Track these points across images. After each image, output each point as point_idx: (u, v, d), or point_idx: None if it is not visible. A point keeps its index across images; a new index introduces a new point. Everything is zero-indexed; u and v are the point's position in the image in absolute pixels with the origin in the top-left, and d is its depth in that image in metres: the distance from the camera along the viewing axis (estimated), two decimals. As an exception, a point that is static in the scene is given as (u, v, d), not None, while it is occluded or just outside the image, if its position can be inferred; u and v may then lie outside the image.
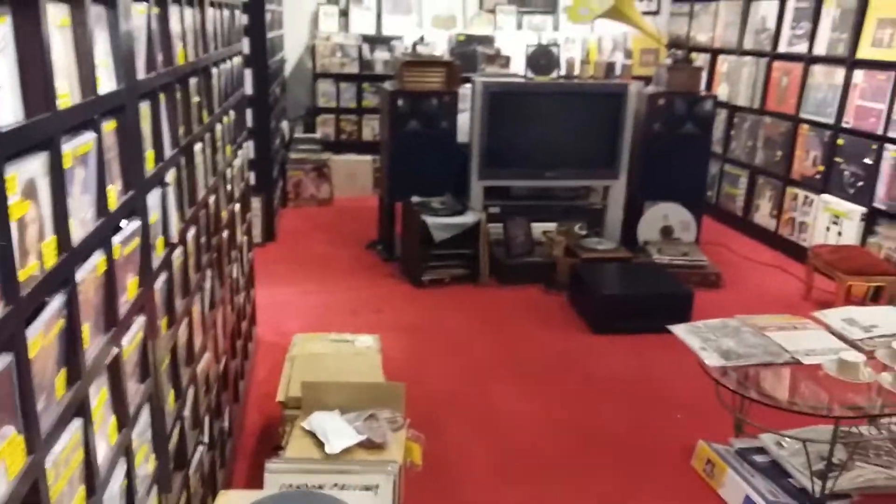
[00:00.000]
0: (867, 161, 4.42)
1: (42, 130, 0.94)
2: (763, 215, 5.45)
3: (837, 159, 4.69)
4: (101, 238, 1.15)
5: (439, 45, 6.24)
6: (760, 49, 5.54)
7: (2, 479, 0.80)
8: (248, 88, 4.56)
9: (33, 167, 0.91)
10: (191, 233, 1.91)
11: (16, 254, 0.84)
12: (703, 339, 2.55)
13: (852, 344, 2.55)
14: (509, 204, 4.74)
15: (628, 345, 3.66)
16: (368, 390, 2.33)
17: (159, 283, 1.54)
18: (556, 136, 4.65)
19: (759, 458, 2.64)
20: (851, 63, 4.60)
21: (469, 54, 6.23)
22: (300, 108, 6.79)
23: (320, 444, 2.12)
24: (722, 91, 5.96)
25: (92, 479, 1.08)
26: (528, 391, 3.22)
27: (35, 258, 0.90)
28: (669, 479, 2.64)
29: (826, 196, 4.76)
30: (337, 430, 2.17)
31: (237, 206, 2.89)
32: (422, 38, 5.34)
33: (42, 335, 0.91)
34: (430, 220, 4.35)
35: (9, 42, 0.91)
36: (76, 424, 1.03)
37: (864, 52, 4.51)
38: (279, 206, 5.73)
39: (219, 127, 2.42)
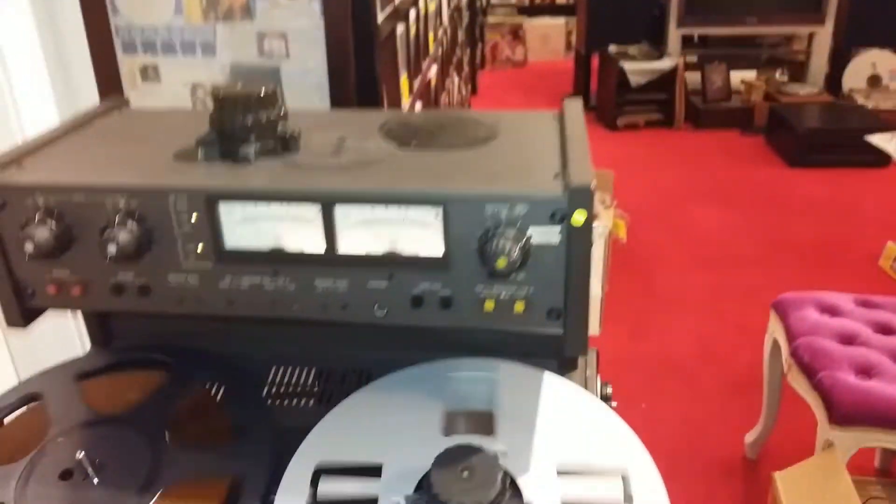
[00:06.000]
0: None
1: None
2: None
3: None
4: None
5: None
6: None
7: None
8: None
9: None
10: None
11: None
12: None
13: None
14: (707, 52, 4.83)
15: (823, 176, 3.79)
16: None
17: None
18: (760, -21, 4.62)
19: (949, 259, 2.80)
20: None
21: None
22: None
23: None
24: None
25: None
26: (721, 210, 3.50)
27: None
28: (854, 274, 2.87)
29: None
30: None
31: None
32: None
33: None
34: (628, 65, 4.59)
35: None
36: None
37: None
38: (478, 67, 6.15)
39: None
